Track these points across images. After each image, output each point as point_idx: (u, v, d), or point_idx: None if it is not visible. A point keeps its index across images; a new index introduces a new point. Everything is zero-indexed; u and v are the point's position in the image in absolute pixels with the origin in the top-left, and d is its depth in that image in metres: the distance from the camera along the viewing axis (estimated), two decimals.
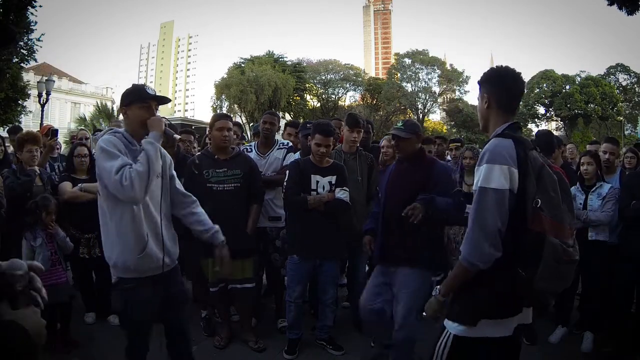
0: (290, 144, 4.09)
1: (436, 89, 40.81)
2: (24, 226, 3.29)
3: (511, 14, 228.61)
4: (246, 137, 10.54)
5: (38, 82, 16.17)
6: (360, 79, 41.35)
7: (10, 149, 4.38)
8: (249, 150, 3.90)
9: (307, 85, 39.27)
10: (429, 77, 40.15)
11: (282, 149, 3.92)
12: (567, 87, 37.88)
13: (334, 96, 41.00)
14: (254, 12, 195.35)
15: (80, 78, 40.70)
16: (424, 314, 1.88)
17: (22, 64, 13.00)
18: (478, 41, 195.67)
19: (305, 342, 3.42)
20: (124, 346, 2.24)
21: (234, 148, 3.49)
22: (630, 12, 6.60)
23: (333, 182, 3.26)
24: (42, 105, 15.34)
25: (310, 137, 3.31)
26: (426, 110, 39.97)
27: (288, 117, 35.52)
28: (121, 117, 2.35)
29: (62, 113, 34.66)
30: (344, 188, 3.23)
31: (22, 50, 12.34)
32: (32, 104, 16.50)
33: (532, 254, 1.55)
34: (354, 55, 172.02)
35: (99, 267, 3.85)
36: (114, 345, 3.43)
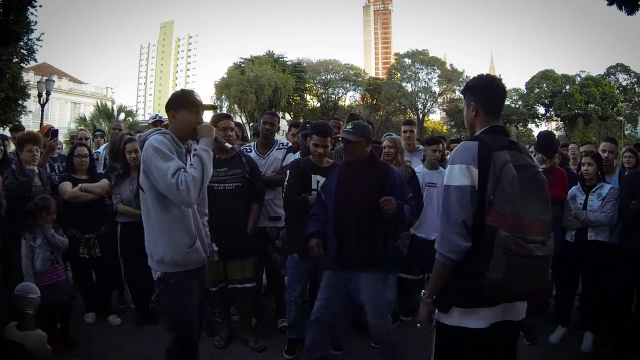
0: (290, 144, 4.09)
1: (436, 89, 40.83)
2: (24, 227, 3.29)
3: (511, 14, 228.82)
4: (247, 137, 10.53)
5: (38, 82, 16.18)
6: (360, 79, 41.37)
7: (12, 148, 4.39)
8: (249, 150, 3.90)
9: (307, 85, 39.30)
10: (429, 77, 40.18)
11: (281, 149, 3.92)
12: (567, 87, 37.87)
13: (334, 96, 41.03)
14: (254, 12, 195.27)
15: (80, 78, 40.68)
16: (418, 325, 1.96)
17: (22, 64, 12.99)
18: (478, 41, 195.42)
19: None
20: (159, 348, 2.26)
21: (234, 148, 3.50)
22: (630, 12, 6.59)
23: None
24: (42, 105, 15.35)
25: (309, 137, 3.31)
26: (426, 110, 39.99)
27: (288, 117, 35.55)
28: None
29: (62, 113, 34.63)
30: None
31: (22, 50, 12.33)
32: (32, 104, 16.50)
33: (488, 247, 1.62)
34: (354, 55, 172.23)
35: (99, 267, 3.86)
36: (114, 345, 3.44)
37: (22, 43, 12.02)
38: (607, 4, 6.63)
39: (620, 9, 6.57)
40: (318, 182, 3.24)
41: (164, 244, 2.13)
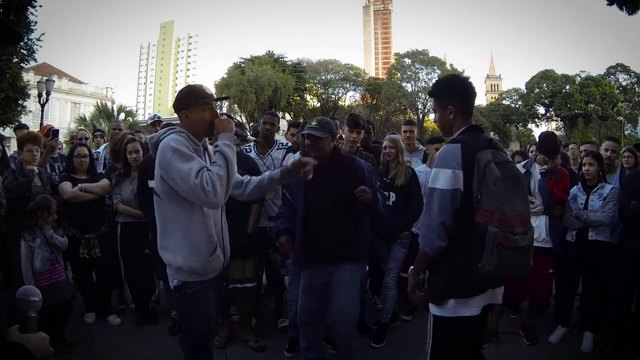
0: (290, 144, 4.09)
1: None
2: (24, 227, 3.29)
3: (511, 14, 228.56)
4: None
5: (38, 82, 16.19)
6: (360, 79, 41.38)
7: (14, 148, 4.38)
8: (249, 150, 3.90)
9: (307, 85, 39.31)
10: (429, 77, 40.12)
11: (281, 149, 3.92)
12: (567, 87, 37.91)
13: (334, 96, 41.04)
14: (254, 12, 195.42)
15: (80, 78, 40.68)
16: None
17: (22, 64, 12.97)
18: (478, 41, 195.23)
19: None
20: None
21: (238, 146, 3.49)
22: (631, 12, 6.60)
23: None
24: (42, 105, 15.36)
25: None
26: (426, 110, 39.92)
27: (288, 117, 35.55)
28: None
29: (62, 113, 34.63)
30: None
31: (22, 50, 12.31)
32: (32, 104, 16.47)
33: (479, 243, 1.75)
34: (354, 55, 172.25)
35: (99, 267, 3.86)
36: (114, 345, 3.44)
37: (22, 43, 12.02)
38: (607, 4, 6.65)
39: (621, 9, 6.59)
40: None
41: (183, 252, 1.97)
